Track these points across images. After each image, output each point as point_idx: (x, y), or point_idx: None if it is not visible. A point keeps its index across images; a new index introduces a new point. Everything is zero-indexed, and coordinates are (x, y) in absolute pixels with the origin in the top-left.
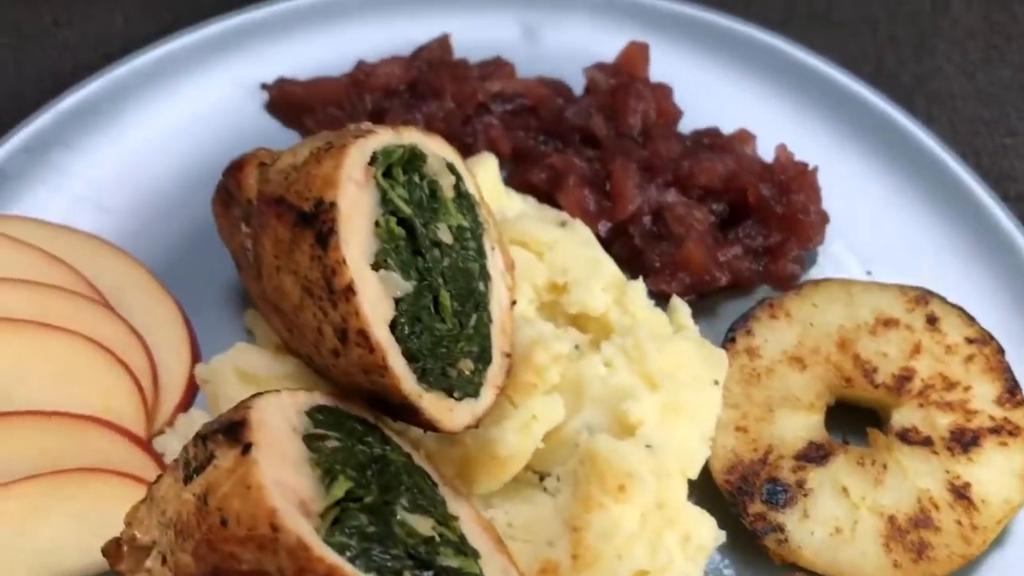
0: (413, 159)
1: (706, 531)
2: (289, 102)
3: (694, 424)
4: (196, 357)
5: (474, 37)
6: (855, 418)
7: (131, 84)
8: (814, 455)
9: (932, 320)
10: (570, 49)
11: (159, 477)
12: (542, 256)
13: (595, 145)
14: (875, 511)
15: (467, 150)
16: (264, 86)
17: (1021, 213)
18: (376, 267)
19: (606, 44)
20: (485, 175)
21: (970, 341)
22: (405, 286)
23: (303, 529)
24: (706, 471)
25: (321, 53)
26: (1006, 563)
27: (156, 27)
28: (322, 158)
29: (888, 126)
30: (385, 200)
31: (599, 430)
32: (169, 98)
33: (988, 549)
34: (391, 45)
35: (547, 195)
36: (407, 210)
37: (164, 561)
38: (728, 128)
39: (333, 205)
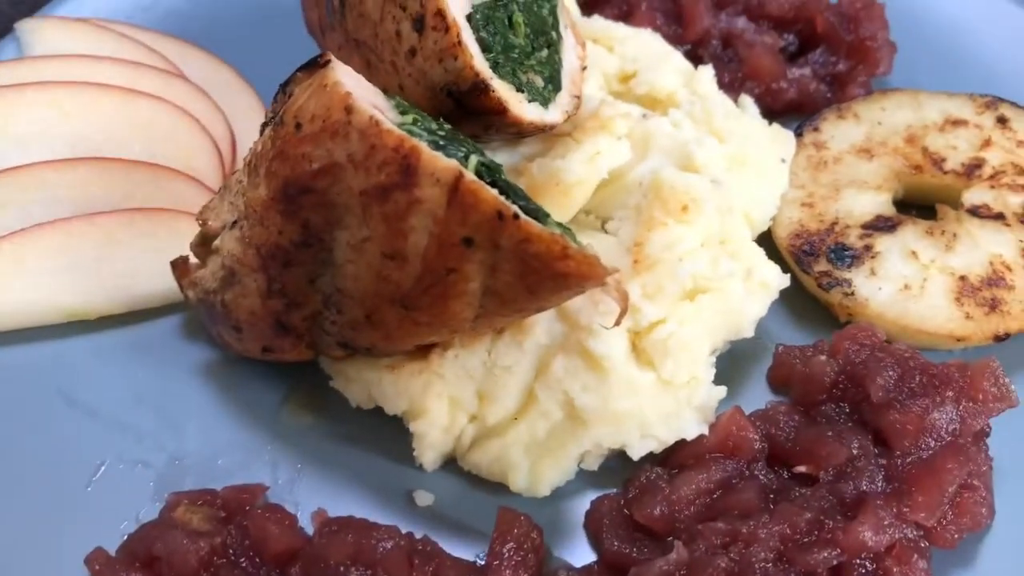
0: None
1: (769, 271)
2: None
3: (760, 179)
4: None
5: None
6: (922, 210)
7: None
8: (882, 225)
9: (1002, 120)
10: None
11: (234, 172)
12: (612, 49)
13: None
14: (945, 271)
15: None
16: None
17: None
18: None
19: None
20: None
21: None
22: None
23: (375, 111)
24: (771, 243)
25: None
26: None
27: None
28: None
29: None
30: None
31: (665, 167)
32: None
33: None
34: None
35: None
36: None
37: (234, 224)
38: None
39: None
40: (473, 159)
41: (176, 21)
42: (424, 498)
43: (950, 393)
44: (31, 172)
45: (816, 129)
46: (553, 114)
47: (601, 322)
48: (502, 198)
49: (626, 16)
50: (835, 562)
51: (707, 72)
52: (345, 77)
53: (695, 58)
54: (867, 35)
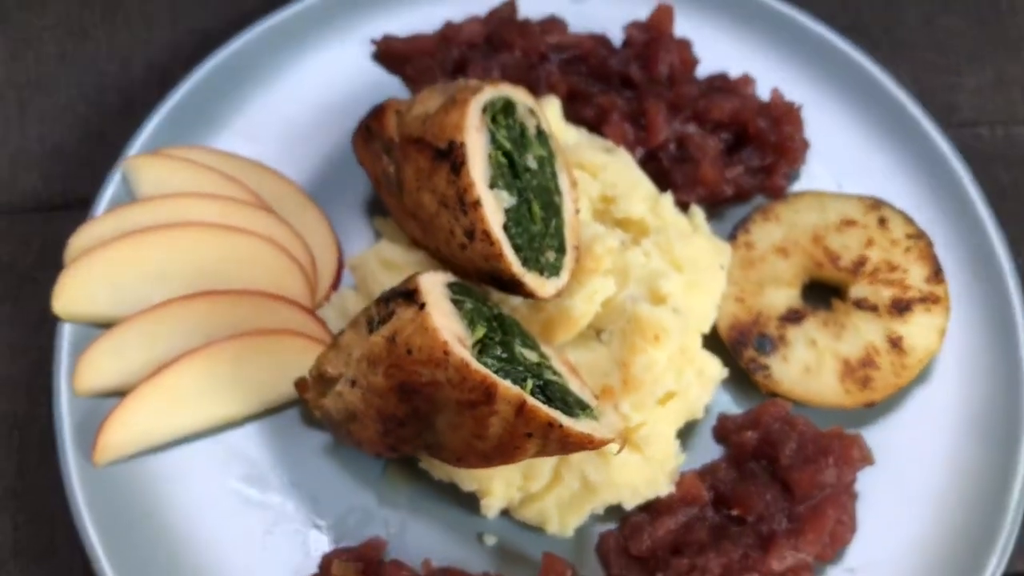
0: (508, 107)
1: (713, 368)
2: (392, 54)
3: (707, 295)
4: (340, 251)
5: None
6: (823, 293)
7: (274, 41)
8: (792, 317)
9: (882, 221)
10: (609, 10)
11: (341, 332)
12: (596, 175)
13: (631, 87)
14: (834, 356)
15: (533, 91)
16: (373, 41)
17: (958, 136)
18: (491, 186)
19: (639, 7)
20: (551, 112)
21: (909, 236)
22: (510, 200)
23: (465, 353)
24: (715, 331)
25: (417, 17)
26: (926, 392)
27: None
28: (449, 109)
29: (858, 73)
30: (494, 140)
31: (640, 300)
32: (302, 52)
33: (913, 382)
34: (472, 8)
35: (595, 127)
36: (508, 146)
37: (354, 384)
38: (734, 73)
39: (462, 144)
40: (529, 383)
41: (229, 137)
42: (490, 539)
43: (831, 459)
44: (169, 309)
45: (747, 231)
46: (563, 278)
47: (609, 450)
48: (552, 412)
49: (599, 120)
50: None
51: (668, 199)
52: (439, 319)
53: (655, 159)
54: (787, 135)
